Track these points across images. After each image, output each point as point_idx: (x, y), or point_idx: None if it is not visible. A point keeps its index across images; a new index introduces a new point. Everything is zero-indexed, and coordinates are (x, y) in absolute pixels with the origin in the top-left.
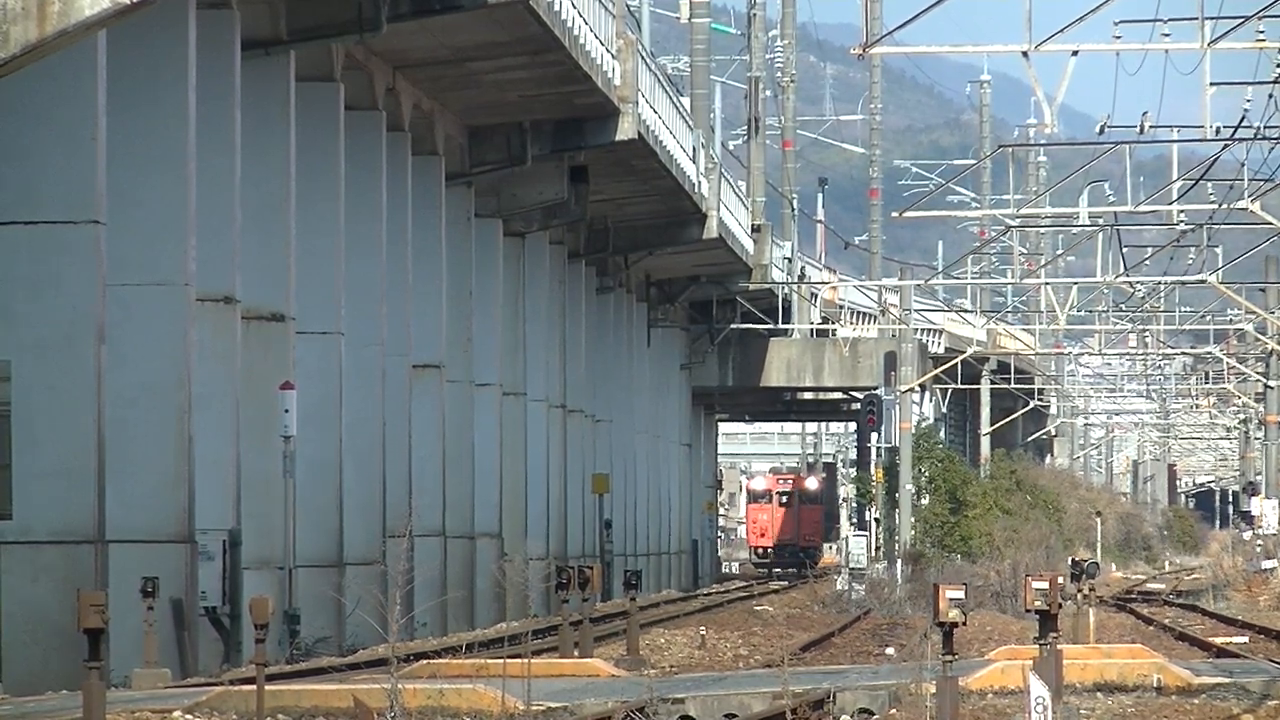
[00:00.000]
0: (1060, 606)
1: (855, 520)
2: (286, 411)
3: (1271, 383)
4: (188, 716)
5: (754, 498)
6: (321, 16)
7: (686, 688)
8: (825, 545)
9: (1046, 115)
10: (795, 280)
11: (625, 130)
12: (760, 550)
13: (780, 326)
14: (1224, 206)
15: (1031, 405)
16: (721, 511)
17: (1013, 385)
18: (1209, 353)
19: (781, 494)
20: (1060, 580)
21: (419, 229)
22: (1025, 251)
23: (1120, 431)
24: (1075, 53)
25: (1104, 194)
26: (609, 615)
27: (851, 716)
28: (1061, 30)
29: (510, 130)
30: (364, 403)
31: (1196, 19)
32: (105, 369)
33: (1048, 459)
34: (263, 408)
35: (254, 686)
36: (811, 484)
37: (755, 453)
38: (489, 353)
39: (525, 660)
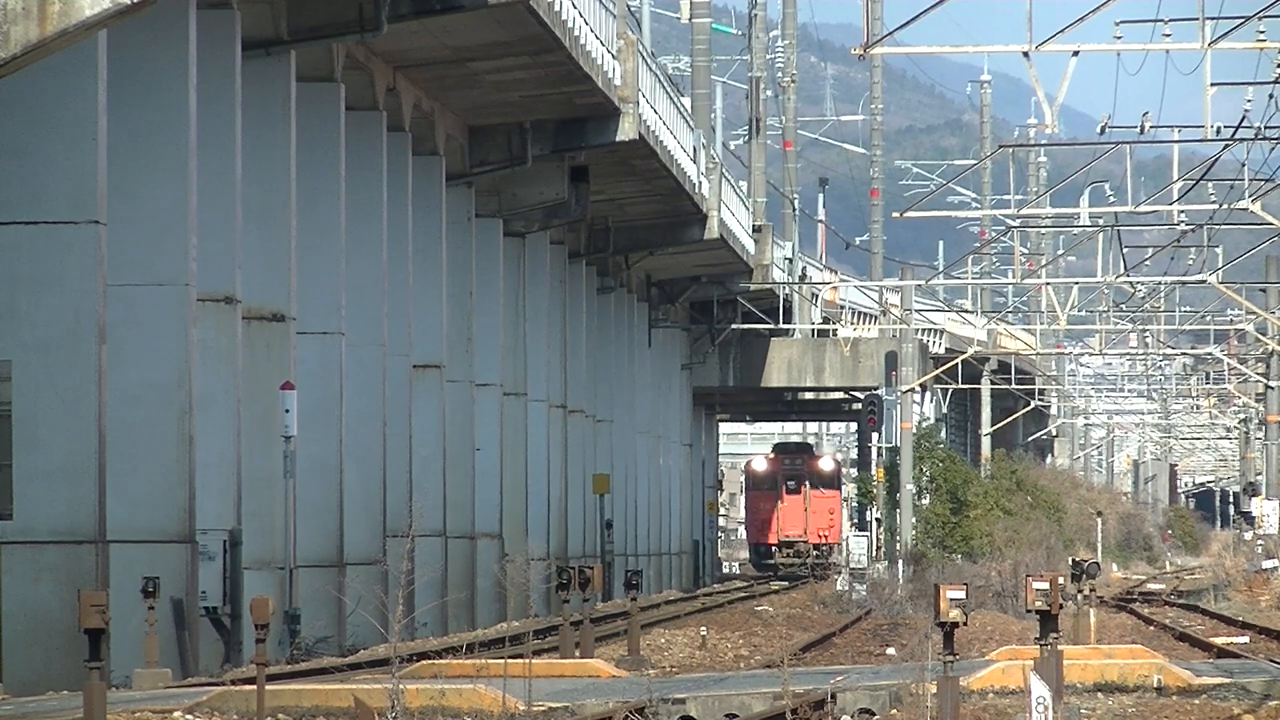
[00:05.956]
0: (1061, 607)
1: (856, 520)
2: (287, 411)
3: (1272, 383)
4: (188, 716)
5: (755, 483)
6: (322, 16)
7: (687, 688)
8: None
9: (1047, 115)
10: (796, 280)
11: (626, 130)
12: (762, 548)
13: (781, 327)
14: (1224, 207)
15: (1032, 405)
16: (722, 511)
17: (1013, 385)
18: (1209, 353)
19: (789, 478)
20: (1061, 580)
21: (419, 229)
22: (1026, 252)
23: (1121, 432)
24: (1076, 53)
25: (1105, 194)
26: (610, 615)
27: (852, 717)
28: (1062, 30)
29: (511, 130)
30: (365, 403)
31: (1197, 19)
32: (106, 369)
33: (1048, 459)
34: (264, 408)
35: (254, 686)
36: (826, 464)
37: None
38: (490, 353)
39: (526, 660)
